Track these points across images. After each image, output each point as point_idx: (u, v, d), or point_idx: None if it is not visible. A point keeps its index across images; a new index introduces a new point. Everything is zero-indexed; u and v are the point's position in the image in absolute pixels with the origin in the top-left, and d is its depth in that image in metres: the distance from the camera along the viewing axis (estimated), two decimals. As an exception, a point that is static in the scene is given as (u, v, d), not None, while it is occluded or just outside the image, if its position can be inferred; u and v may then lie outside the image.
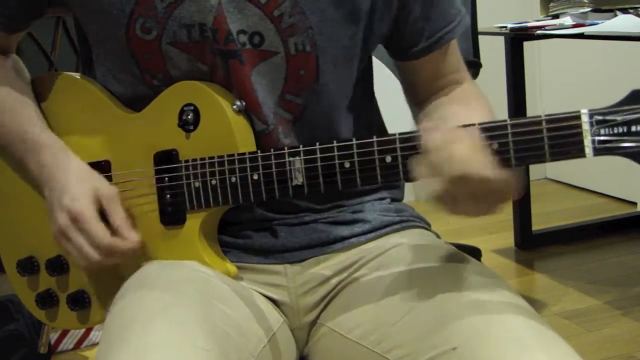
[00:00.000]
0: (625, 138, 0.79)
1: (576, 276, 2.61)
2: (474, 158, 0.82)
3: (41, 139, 1.07)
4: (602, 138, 0.79)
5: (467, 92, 1.11)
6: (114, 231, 1.01)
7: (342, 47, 1.03)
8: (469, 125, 0.85)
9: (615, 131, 0.79)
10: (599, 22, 2.29)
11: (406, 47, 1.09)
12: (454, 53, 1.11)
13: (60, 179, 1.03)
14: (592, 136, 0.80)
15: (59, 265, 1.11)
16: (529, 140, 0.83)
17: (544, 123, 0.82)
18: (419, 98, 1.14)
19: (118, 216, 1.02)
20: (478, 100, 1.10)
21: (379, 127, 1.16)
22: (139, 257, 1.05)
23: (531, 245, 2.89)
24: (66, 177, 1.03)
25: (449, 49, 1.10)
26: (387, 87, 1.46)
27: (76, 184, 1.02)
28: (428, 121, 1.02)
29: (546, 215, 3.17)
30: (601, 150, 0.80)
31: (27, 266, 1.14)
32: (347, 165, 0.91)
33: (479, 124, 0.84)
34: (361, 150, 0.90)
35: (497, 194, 0.85)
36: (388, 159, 0.89)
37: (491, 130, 0.84)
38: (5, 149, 1.11)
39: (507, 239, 2.94)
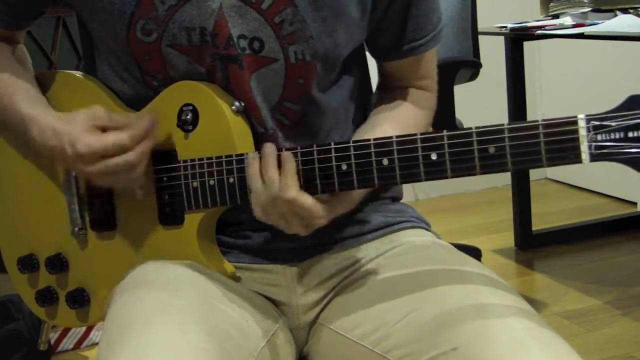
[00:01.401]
0: (622, 144, 0.79)
1: (576, 276, 2.61)
2: (283, 183, 0.92)
3: (28, 113, 1.05)
4: (599, 144, 0.79)
5: (417, 102, 1.13)
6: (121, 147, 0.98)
7: (341, 56, 1.04)
8: (434, 132, 0.89)
9: (612, 137, 0.79)
10: (599, 22, 2.29)
11: (380, 50, 1.11)
12: (427, 62, 1.13)
13: (54, 143, 1.01)
14: (588, 142, 0.80)
15: (58, 263, 1.12)
16: (525, 145, 0.83)
17: (540, 128, 0.82)
18: (383, 83, 1.16)
19: (119, 121, 0.99)
20: (418, 113, 1.12)
21: None
22: (137, 256, 1.05)
23: (531, 245, 2.88)
24: (56, 135, 1.01)
25: (422, 58, 1.12)
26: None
27: (67, 133, 0.99)
28: (368, 121, 1.10)
29: (546, 215, 3.17)
30: (598, 156, 0.80)
31: (27, 263, 1.14)
32: (344, 167, 0.91)
33: (421, 134, 0.89)
34: (358, 152, 0.90)
35: (301, 216, 0.92)
36: (385, 161, 0.89)
37: (488, 134, 0.84)
38: (5, 128, 1.11)
39: (507, 239, 2.93)
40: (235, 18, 0.99)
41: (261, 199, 0.93)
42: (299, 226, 0.94)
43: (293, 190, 0.91)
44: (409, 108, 1.12)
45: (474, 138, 0.85)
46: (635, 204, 3.31)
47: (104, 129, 0.99)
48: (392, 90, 1.14)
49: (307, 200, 0.92)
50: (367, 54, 1.15)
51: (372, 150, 0.90)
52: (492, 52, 2.63)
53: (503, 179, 3.46)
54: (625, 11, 2.31)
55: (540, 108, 3.77)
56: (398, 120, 1.08)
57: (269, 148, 0.93)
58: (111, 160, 0.97)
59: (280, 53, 1.01)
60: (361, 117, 1.13)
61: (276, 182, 0.92)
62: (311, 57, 1.01)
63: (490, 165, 0.85)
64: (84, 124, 0.99)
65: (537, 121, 0.82)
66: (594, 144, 0.80)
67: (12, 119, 1.07)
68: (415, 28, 1.08)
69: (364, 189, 0.96)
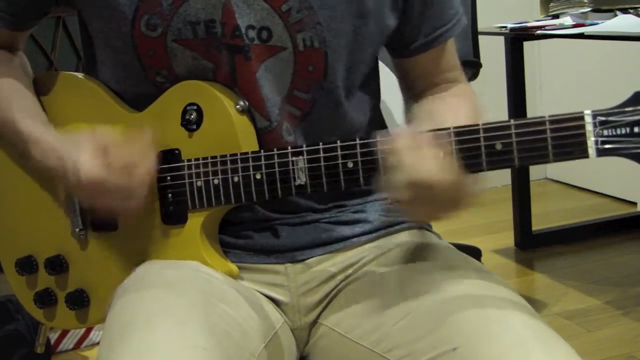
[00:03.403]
0: (628, 139, 0.79)
1: (576, 276, 2.61)
2: (420, 164, 0.85)
3: (30, 134, 1.05)
4: (605, 139, 0.80)
5: (460, 91, 1.12)
6: (126, 173, 0.98)
7: (350, 43, 1.04)
8: (443, 129, 0.87)
9: (619, 132, 0.79)
10: (599, 22, 2.29)
11: (404, 44, 1.11)
12: (450, 52, 1.13)
13: (55, 164, 1.02)
14: (595, 137, 0.80)
15: (57, 264, 1.11)
16: (532, 141, 0.83)
17: (547, 124, 0.82)
18: (414, 92, 1.15)
19: (121, 158, 0.98)
20: (467, 99, 1.11)
21: (381, 125, 1.17)
22: (140, 255, 1.05)
23: (531, 245, 2.89)
24: (59, 160, 1.01)
25: (446, 48, 1.12)
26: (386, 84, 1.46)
27: (69, 158, 0.99)
28: (416, 116, 1.07)
29: (546, 215, 3.17)
30: (604, 151, 0.80)
31: (26, 265, 1.14)
32: (350, 165, 0.91)
33: (454, 127, 0.87)
34: (364, 150, 0.90)
35: (445, 200, 0.88)
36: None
37: (495, 130, 0.84)
38: (3, 142, 1.11)
39: (507, 239, 2.94)
40: (243, 8, 0.99)
41: (413, 177, 0.85)
42: (440, 210, 0.90)
43: (437, 173, 0.85)
44: (456, 98, 1.10)
45: (481, 134, 0.85)
46: (635, 204, 3.31)
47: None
48: (427, 91, 1.13)
49: (450, 181, 0.86)
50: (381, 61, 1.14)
51: (378, 148, 0.90)
52: (492, 52, 2.63)
53: (503, 179, 3.46)
54: (625, 11, 2.31)
55: (540, 108, 3.77)
56: (461, 109, 1.07)
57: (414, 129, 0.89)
58: (111, 180, 0.97)
59: (289, 41, 1.01)
60: (374, 115, 1.12)
61: (437, 163, 0.85)
62: (320, 43, 1.01)
63: (497, 161, 0.85)
64: (87, 148, 0.98)
65: (543, 117, 0.82)
66: (600, 139, 0.80)
67: (11, 135, 1.07)
68: (437, 14, 1.08)
69: None
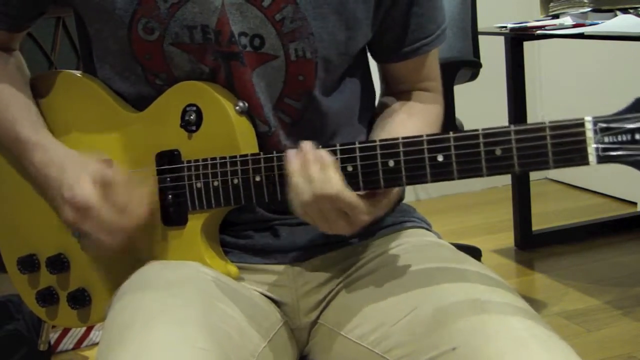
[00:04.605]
0: (629, 146, 0.79)
1: (576, 276, 2.61)
2: (326, 179, 0.89)
3: (33, 138, 1.06)
4: (606, 146, 0.79)
5: (417, 109, 1.12)
6: (118, 210, 0.99)
7: (341, 53, 1.04)
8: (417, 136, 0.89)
9: (619, 139, 0.79)
10: (599, 22, 2.29)
11: (383, 51, 1.11)
12: (430, 64, 1.13)
13: (55, 175, 1.02)
14: (595, 144, 0.80)
15: (59, 263, 1.11)
16: (532, 147, 0.83)
17: (547, 130, 0.81)
18: (387, 92, 1.16)
19: (118, 196, 0.99)
20: (427, 114, 1.12)
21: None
22: (140, 256, 1.05)
23: (531, 245, 2.89)
24: (60, 172, 1.02)
25: (426, 60, 1.12)
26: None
27: (72, 174, 1.00)
28: (377, 124, 1.10)
29: (546, 215, 3.17)
30: (605, 158, 0.80)
31: (28, 264, 1.14)
32: (349, 168, 0.91)
33: (427, 135, 0.88)
34: (364, 154, 0.90)
35: (346, 214, 0.90)
36: (391, 163, 0.89)
37: (494, 136, 0.84)
38: (3, 147, 1.11)
39: (507, 239, 2.94)
40: (237, 15, 0.99)
41: (303, 197, 0.90)
42: (342, 223, 0.91)
43: (337, 185, 0.89)
44: (422, 107, 1.12)
45: (481, 140, 0.85)
46: (635, 204, 3.31)
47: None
48: (398, 94, 1.14)
49: (351, 195, 0.89)
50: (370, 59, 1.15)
51: (378, 152, 0.90)
52: (492, 52, 2.63)
53: (503, 179, 3.46)
54: (625, 11, 2.31)
55: (540, 108, 3.77)
56: (422, 118, 1.09)
57: (308, 145, 0.91)
58: (101, 212, 0.97)
59: (281, 50, 1.01)
60: (367, 120, 1.13)
61: (319, 178, 0.90)
62: (311, 54, 1.01)
63: (497, 167, 0.85)
64: (90, 171, 0.98)
65: (543, 123, 0.82)
66: (600, 146, 0.79)
67: (9, 139, 1.07)
68: (418, 27, 1.08)
69: (374, 189, 0.94)
